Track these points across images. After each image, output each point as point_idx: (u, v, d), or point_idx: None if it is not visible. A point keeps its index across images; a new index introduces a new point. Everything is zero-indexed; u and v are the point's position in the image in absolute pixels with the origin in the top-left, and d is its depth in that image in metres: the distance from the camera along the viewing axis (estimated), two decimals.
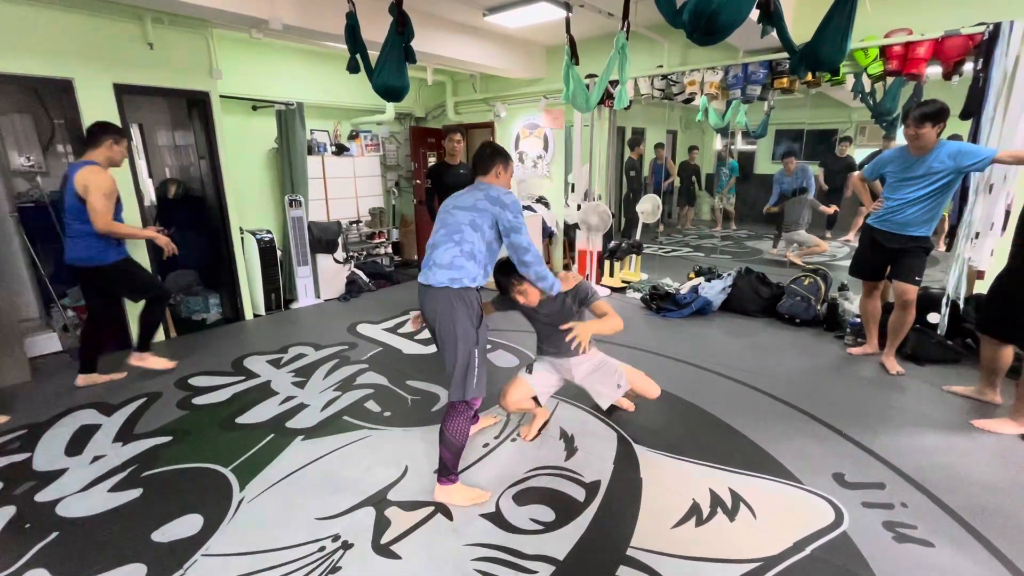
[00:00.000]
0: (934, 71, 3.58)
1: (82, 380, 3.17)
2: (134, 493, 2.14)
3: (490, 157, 2.11)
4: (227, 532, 1.91)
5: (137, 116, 4.49)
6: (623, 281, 5.37)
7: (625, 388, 2.38)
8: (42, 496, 2.13)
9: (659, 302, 4.50)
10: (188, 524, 1.95)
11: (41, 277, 3.97)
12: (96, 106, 3.50)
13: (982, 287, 3.44)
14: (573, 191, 5.49)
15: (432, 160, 6.72)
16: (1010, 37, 3.09)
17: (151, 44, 3.67)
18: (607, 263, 5.38)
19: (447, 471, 2.04)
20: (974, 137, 3.28)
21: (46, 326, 4.03)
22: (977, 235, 3.28)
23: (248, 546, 1.83)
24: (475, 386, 1.94)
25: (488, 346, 2.30)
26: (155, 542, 1.86)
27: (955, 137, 3.23)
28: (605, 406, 2.43)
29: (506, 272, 2.16)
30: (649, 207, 5.53)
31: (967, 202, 3.32)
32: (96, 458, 2.40)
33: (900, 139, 3.21)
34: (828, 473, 2.19)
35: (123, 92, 3.62)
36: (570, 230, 5.84)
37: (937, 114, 2.75)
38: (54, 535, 1.91)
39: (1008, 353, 2.62)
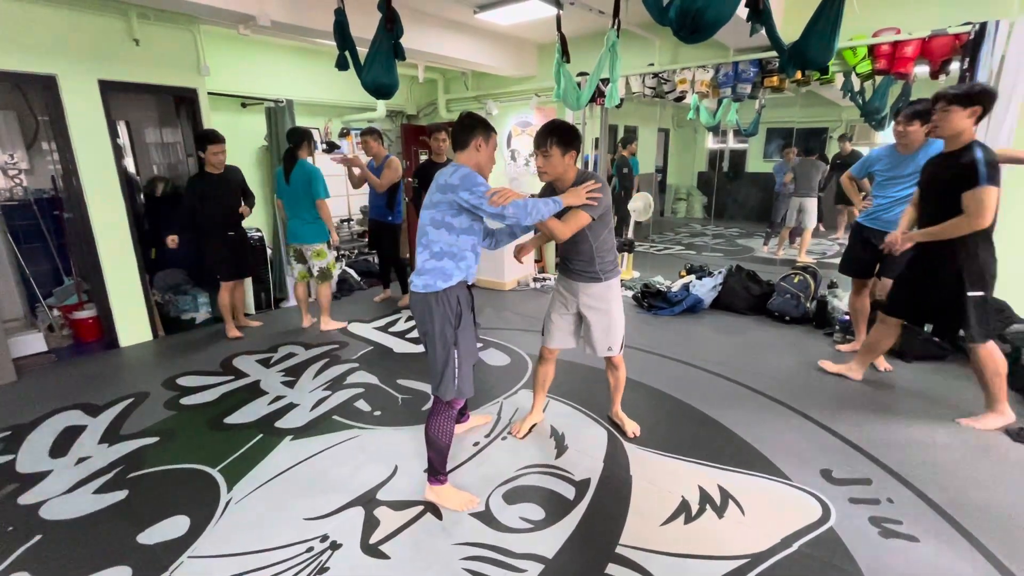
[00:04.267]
0: (922, 70, 3.61)
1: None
2: (119, 495, 2.12)
3: (468, 129, 1.92)
4: (214, 534, 1.89)
5: (123, 113, 4.43)
6: None
7: (615, 353, 2.35)
8: (25, 499, 2.10)
9: (650, 300, 4.51)
10: (174, 526, 1.93)
11: (26, 276, 3.92)
12: (81, 103, 3.45)
13: None
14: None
15: (425, 157, 6.69)
16: (995, 36, 3.12)
17: (137, 40, 3.62)
18: None
19: (435, 471, 2.03)
20: None
21: (31, 326, 3.98)
22: None
23: (235, 547, 1.82)
24: (455, 387, 1.93)
25: (480, 344, 2.27)
26: (140, 544, 1.84)
27: None
28: (591, 353, 2.37)
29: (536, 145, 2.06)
30: (640, 205, 5.54)
31: None
32: (81, 460, 2.37)
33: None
34: (816, 469, 2.20)
35: (108, 89, 3.57)
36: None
37: (926, 113, 2.77)
38: (37, 538, 1.88)
39: (895, 337, 2.80)
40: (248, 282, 4.59)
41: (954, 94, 2.27)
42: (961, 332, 2.50)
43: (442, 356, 1.91)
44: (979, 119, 2.27)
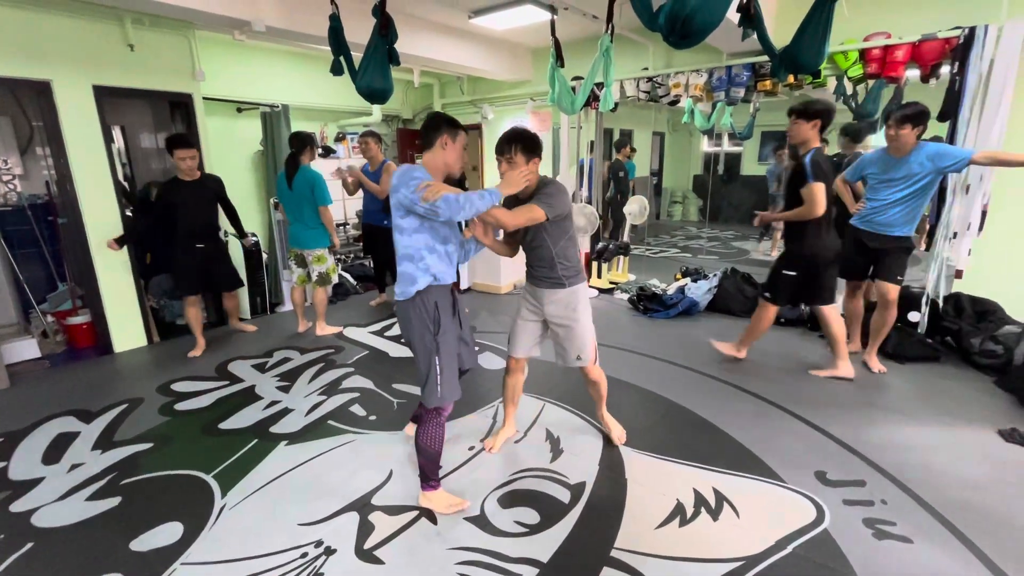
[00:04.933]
0: (913, 74, 3.64)
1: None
2: (113, 502, 2.11)
3: (433, 128, 1.89)
4: (208, 540, 1.88)
5: (118, 118, 4.43)
6: (611, 282, 5.39)
7: (585, 363, 2.25)
8: (17, 506, 2.09)
9: (646, 303, 4.53)
10: (168, 532, 1.92)
11: (19, 282, 3.90)
12: (75, 108, 3.44)
13: (960, 286, 3.52)
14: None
15: (420, 162, 6.71)
16: (984, 41, 3.15)
17: (131, 45, 3.62)
18: (595, 264, 5.40)
19: (427, 478, 2.02)
20: (951, 138, 3.34)
21: (24, 332, 3.96)
22: (955, 235, 3.34)
23: (229, 554, 1.81)
24: (439, 394, 1.90)
25: (476, 348, 2.24)
26: (133, 551, 1.83)
27: (935, 139, 3.28)
28: (561, 364, 2.31)
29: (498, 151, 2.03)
30: (636, 208, 5.57)
31: (945, 203, 3.38)
32: (74, 466, 2.36)
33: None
34: (810, 471, 2.21)
35: (103, 94, 3.57)
36: None
37: (917, 116, 2.80)
38: (29, 545, 1.87)
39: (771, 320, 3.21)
40: (243, 287, 4.57)
41: (799, 109, 2.78)
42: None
43: (424, 363, 1.89)
44: (821, 130, 2.78)
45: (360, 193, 4.56)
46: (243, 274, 4.55)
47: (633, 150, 6.35)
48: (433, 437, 1.95)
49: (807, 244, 2.90)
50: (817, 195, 2.69)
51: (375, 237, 4.59)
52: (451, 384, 1.93)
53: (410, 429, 2.53)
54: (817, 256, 2.91)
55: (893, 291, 3.03)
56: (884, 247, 3.03)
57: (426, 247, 1.86)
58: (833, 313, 3.02)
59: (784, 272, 3.01)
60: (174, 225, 3.56)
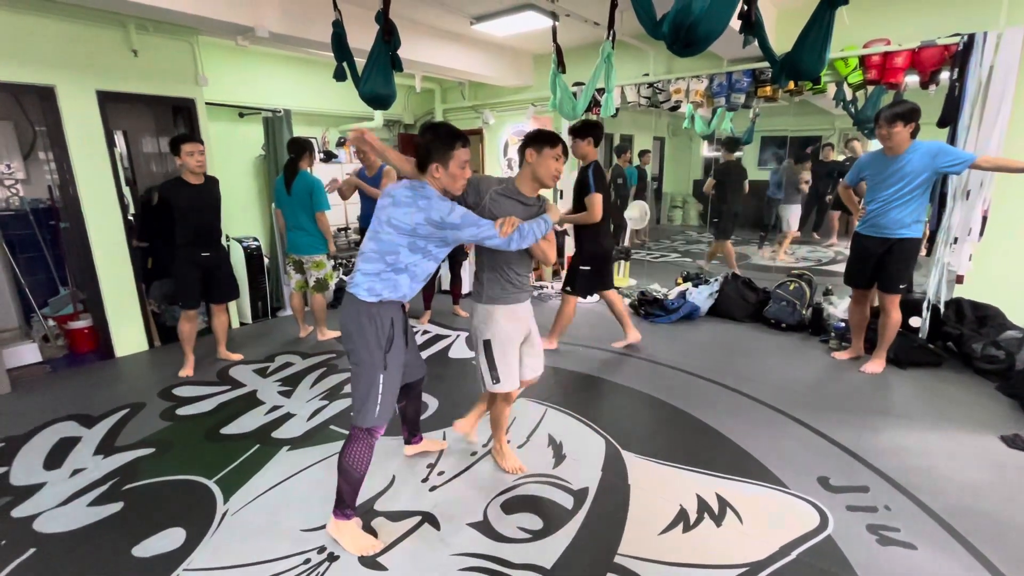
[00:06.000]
0: (912, 80, 3.66)
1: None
2: (115, 507, 2.10)
3: (421, 156, 1.78)
4: (210, 546, 1.87)
5: (121, 123, 4.44)
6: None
7: (487, 388, 2.10)
8: (19, 512, 2.08)
9: (647, 307, 4.53)
10: (170, 538, 1.91)
11: (21, 286, 3.91)
12: (79, 113, 3.46)
13: (961, 291, 3.52)
14: (561, 197, 5.52)
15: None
16: (983, 47, 3.17)
17: (135, 51, 3.64)
18: None
19: (342, 504, 1.82)
20: (951, 144, 3.35)
21: (26, 336, 3.96)
22: (956, 240, 3.35)
23: (231, 560, 1.80)
24: (377, 413, 1.78)
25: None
26: (135, 557, 1.82)
27: None
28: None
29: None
30: (637, 213, 5.58)
31: (946, 208, 3.39)
32: (76, 471, 2.35)
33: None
34: (813, 477, 2.21)
35: (106, 99, 3.59)
36: (559, 236, 5.87)
37: (907, 114, 2.80)
38: (31, 552, 1.86)
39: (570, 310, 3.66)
40: (246, 291, 4.58)
41: (576, 128, 3.29)
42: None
43: (367, 379, 1.77)
44: (595, 144, 3.28)
45: (356, 196, 4.56)
46: (244, 279, 4.56)
47: (642, 154, 6.48)
48: (360, 459, 1.79)
49: (598, 243, 3.41)
50: (597, 203, 3.16)
51: None
52: (389, 405, 1.82)
53: (409, 449, 2.43)
54: (606, 252, 3.49)
55: (895, 300, 3.04)
56: (889, 249, 3.01)
57: (422, 270, 1.82)
58: (615, 295, 3.63)
59: (581, 268, 3.48)
60: (173, 230, 3.30)
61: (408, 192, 1.76)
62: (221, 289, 3.54)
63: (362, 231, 4.74)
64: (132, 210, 4.02)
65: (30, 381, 3.42)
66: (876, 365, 3.23)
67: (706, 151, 7.26)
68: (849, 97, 4.09)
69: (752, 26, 2.48)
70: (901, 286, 3.03)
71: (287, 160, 3.81)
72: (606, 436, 2.57)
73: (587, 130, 3.26)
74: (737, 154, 5.39)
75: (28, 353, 3.72)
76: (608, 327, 4.28)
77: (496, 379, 2.06)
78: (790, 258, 5.68)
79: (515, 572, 1.73)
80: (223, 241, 3.87)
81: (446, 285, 5.05)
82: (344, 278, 5.47)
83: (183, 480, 2.29)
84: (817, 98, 4.55)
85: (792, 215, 5.53)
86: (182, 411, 2.94)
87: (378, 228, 1.78)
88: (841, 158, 5.28)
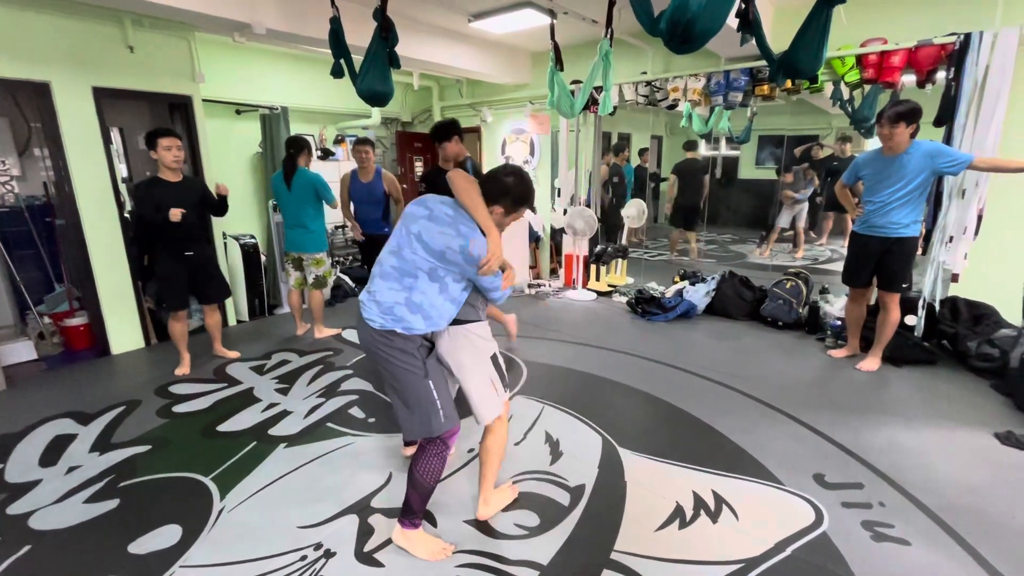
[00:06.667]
0: (909, 79, 3.67)
1: None
2: (111, 504, 2.10)
3: (503, 192, 1.66)
4: (206, 543, 1.87)
5: (117, 120, 4.42)
6: (609, 285, 5.41)
7: (497, 408, 1.86)
8: (14, 508, 2.08)
9: (644, 306, 4.54)
10: (166, 535, 1.91)
11: (16, 283, 3.89)
12: (74, 110, 3.44)
13: (956, 289, 3.54)
14: (559, 196, 5.53)
15: (419, 164, 6.74)
16: (980, 47, 3.18)
17: (131, 47, 3.62)
18: (593, 267, 5.41)
19: (411, 513, 1.78)
20: (947, 144, 3.36)
21: (21, 334, 3.94)
22: (951, 239, 3.36)
23: (228, 556, 1.80)
24: (443, 416, 1.68)
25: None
26: (132, 554, 1.82)
27: None
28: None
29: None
30: (634, 212, 5.58)
31: (941, 207, 3.40)
32: (71, 468, 2.35)
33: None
34: (809, 474, 2.22)
35: (102, 95, 3.56)
36: (556, 234, 5.87)
37: (910, 114, 2.81)
38: (26, 548, 1.86)
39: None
40: (243, 288, 4.57)
41: (440, 129, 3.12)
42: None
43: (416, 391, 1.67)
44: (461, 140, 3.17)
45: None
46: (241, 276, 4.55)
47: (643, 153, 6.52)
48: (432, 471, 1.72)
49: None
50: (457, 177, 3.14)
51: (374, 246, 4.57)
52: (450, 406, 1.72)
53: (407, 450, 2.40)
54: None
55: (894, 299, 3.06)
56: (888, 248, 3.03)
57: (438, 312, 1.67)
58: None
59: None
60: (158, 229, 3.17)
61: (451, 211, 1.63)
62: (210, 289, 3.46)
63: (363, 235, 4.62)
64: (128, 207, 4.00)
65: (25, 379, 3.40)
66: (872, 363, 3.25)
67: (703, 150, 7.27)
68: (846, 96, 4.10)
69: (749, 24, 2.48)
70: (903, 285, 3.05)
71: (285, 156, 3.80)
72: (603, 433, 2.58)
73: (449, 130, 3.10)
74: (699, 152, 5.71)
75: (23, 351, 3.70)
76: (606, 326, 4.29)
77: (507, 385, 1.91)
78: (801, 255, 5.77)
79: (512, 568, 1.73)
80: (220, 239, 3.87)
81: None
82: (342, 275, 5.46)
83: (179, 477, 2.28)
84: (814, 97, 4.56)
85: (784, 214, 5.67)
86: (178, 408, 2.93)
87: (403, 244, 1.64)
88: (824, 154, 5.31)
